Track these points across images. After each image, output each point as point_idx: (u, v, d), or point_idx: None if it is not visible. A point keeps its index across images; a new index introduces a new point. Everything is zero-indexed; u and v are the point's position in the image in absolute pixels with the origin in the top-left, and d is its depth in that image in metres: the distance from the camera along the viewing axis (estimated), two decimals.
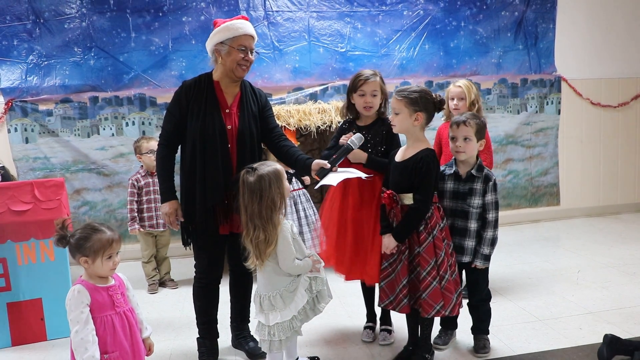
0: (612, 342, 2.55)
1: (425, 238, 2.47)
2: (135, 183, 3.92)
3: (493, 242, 2.60)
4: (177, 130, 2.60)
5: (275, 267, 2.29)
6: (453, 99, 3.37)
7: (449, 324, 2.86)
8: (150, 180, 3.91)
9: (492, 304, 2.79)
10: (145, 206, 3.92)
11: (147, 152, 3.88)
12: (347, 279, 2.86)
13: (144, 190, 3.92)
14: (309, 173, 2.57)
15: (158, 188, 3.91)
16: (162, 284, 4.03)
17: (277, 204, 2.26)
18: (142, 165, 3.99)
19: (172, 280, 4.05)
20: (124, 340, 1.99)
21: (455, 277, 2.54)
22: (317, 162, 2.53)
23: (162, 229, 3.95)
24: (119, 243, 2.02)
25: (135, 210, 3.90)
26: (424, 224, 2.48)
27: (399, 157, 2.56)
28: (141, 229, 3.91)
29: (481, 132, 2.61)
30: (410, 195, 2.48)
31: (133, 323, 2.05)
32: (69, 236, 1.98)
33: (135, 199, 3.91)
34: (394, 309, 2.59)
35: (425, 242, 2.47)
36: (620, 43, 5.54)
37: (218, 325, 2.78)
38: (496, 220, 2.60)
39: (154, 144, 3.86)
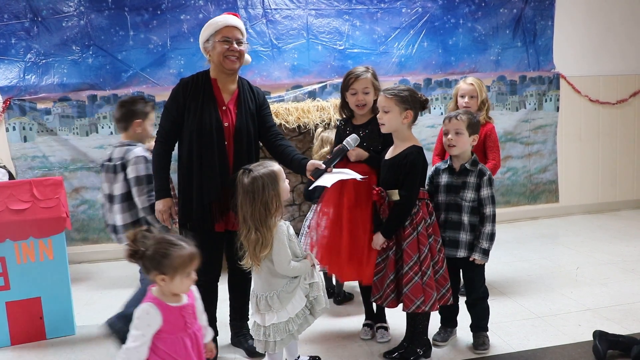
0: (601, 337, 2.58)
1: (409, 233, 2.50)
2: None
3: (492, 237, 2.60)
4: (174, 127, 2.60)
5: (272, 267, 2.27)
6: (463, 96, 3.32)
7: (449, 322, 2.86)
8: None
9: (491, 301, 2.79)
10: None
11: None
12: (342, 280, 2.86)
13: None
14: (303, 173, 2.57)
15: None
16: None
17: (271, 207, 2.21)
18: None
19: None
20: (194, 357, 1.89)
21: (442, 273, 2.55)
22: (312, 163, 2.53)
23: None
24: (198, 257, 1.87)
25: None
26: (409, 220, 2.51)
27: (388, 155, 2.59)
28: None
29: (473, 127, 2.61)
30: (397, 191, 2.50)
31: (201, 341, 1.95)
32: (142, 250, 1.80)
33: None
34: (382, 304, 2.62)
35: (409, 238, 2.50)
36: (618, 40, 5.54)
37: (217, 323, 2.78)
38: (494, 215, 2.60)
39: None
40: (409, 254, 2.49)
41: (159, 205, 2.61)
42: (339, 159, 2.57)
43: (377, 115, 2.58)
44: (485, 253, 2.61)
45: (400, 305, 2.57)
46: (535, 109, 5.44)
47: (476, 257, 2.60)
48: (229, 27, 2.54)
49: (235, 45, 2.54)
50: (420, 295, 2.48)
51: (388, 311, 2.88)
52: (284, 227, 2.27)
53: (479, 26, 5.18)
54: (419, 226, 2.50)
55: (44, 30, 4.45)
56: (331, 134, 3.54)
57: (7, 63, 4.44)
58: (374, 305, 2.98)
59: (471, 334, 2.81)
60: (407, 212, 2.50)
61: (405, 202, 2.49)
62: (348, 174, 2.52)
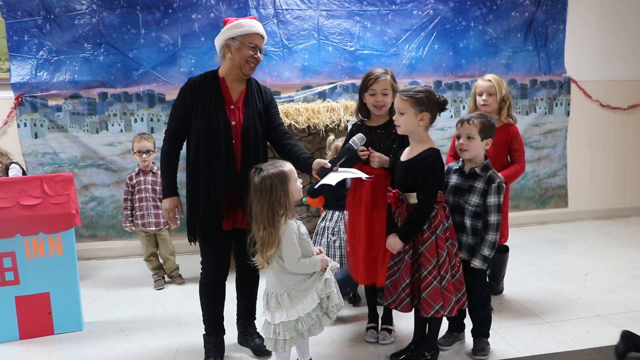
0: (626, 337, 2.54)
1: (428, 237, 2.48)
2: (129, 181, 3.94)
3: (493, 245, 2.57)
4: (181, 126, 2.61)
5: (283, 265, 2.27)
6: (481, 94, 3.23)
7: (455, 326, 2.84)
8: (142, 178, 3.91)
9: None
10: (137, 204, 3.92)
11: (136, 152, 3.89)
12: (362, 282, 2.85)
13: (136, 188, 3.93)
14: (309, 172, 2.58)
15: (149, 187, 3.96)
16: (170, 279, 4.04)
17: (279, 207, 2.22)
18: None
19: (180, 276, 4.06)
20: None
21: (459, 277, 2.53)
22: (318, 162, 2.53)
23: (154, 228, 3.93)
24: None
25: (129, 207, 3.92)
26: (427, 224, 2.48)
27: (404, 156, 2.57)
28: (133, 227, 3.93)
29: (486, 131, 2.57)
30: (415, 194, 2.48)
31: None
32: None
33: (129, 197, 3.93)
34: (395, 308, 2.60)
35: (427, 242, 2.47)
36: (630, 45, 5.50)
37: (224, 322, 2.78)
38: (498, 224, 2.56)
39: (144, 144, 3.89)
40: (428, 259, 2.47)
41: (166, 203, 2.63)
42: (345, 158, 2.57)
43: (393, 117, 2.58)
44: (485, 260, 2.58)
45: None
46: (546, 113, 5.41)
47: (476, 263, 2.58)
48: (260, 35, 2.59)
49: (259, 54, 2.60)
50: (439, 299, 2.46)
51: (395, 313, 2.87)
52: (294, 225, 2.27)
53: (490, 29, 5.16)
54: (437, 230, 2.47)
55: (57, 27, 4.48)
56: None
57: (20, 60, 4.48)
58: (379, 307, 2.97)
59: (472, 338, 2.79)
60: (426, 217, 2.47)
61: (424, 206, 2.46)
62: (354, 173, 2.53)
